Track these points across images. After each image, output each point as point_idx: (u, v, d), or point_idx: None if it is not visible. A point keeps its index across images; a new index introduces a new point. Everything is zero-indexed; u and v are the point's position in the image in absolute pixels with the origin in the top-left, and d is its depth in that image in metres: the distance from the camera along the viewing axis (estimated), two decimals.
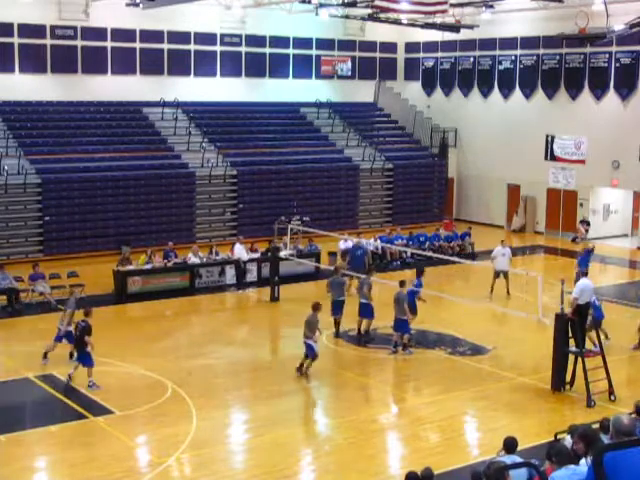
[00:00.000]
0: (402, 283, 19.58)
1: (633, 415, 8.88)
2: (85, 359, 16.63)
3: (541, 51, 35.89)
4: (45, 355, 18.06)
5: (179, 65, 35.87)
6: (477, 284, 25.78)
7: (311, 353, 17.36)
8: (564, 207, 35.42)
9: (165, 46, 35.56)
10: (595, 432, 7.36)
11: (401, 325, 19.07)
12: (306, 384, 17.18)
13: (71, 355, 17.81)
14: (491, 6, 32.06)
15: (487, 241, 32.88)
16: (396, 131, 40.75)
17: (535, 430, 14.38)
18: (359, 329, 20.31)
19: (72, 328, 17.77)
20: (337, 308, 20.44)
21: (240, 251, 25.87)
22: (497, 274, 24.59)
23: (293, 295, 24.21)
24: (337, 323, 20.48)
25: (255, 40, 37.50)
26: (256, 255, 26.29)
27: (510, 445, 9.55)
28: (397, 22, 34.21)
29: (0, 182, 28.37)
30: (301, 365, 17.43)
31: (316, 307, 17.70)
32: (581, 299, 17.11)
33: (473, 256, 29.97)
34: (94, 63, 33.83)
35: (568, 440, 7.54)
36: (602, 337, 18.17)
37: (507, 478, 7.82)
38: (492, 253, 25.44)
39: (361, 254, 25.24)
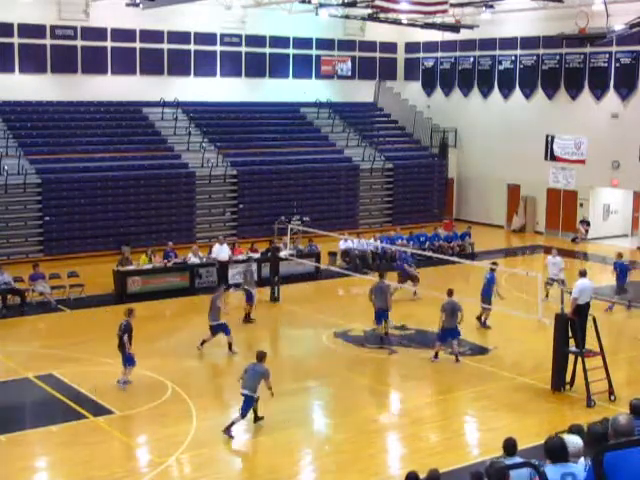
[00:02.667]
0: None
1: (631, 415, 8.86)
2: (128, 360, 16.57)
3: (541, 51, 35.90)
4: (202, 343, 18.88)
5: (179, 65, 35.87)
6: (477, 284, 25.72)
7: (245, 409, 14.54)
8: (564, 207, 35.42)
9: (165, 46, 35.56)
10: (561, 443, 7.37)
11: (448, 333, 18.69)
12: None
13: (229, 347, 18.72)
14: (491, 6, 32.05)
15: (487, 241, 32.94)
16: (396, 131, 40.76)
17: (535, 430, 14.36)
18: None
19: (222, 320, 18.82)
20: (380, 317, 20.09)
21: (218, 251, 25.57)
22: (549, 282, 23.58)
23: (293, 295, 24.21)
24: (386, 334, 20.05)
25: (255, 40, 37.50)
26: (256, 255, 26.26)
27: (510, 447, 9.54)
28: (397, 22, 34.20)
29: (0, 182, 28.37)
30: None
31: (261, 357, 14.99)
32: (581, 299, 17.12)
33: (472, 256, 29.96)
34: (94, 63, 33.84)
35: (569, 439, 7.52)
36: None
37: (508, 478, 7.81)
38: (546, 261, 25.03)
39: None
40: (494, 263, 22.30)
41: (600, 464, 5.49)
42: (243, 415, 14.37)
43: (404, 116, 40.70)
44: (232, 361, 18.69)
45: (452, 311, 18.46)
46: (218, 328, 18.91)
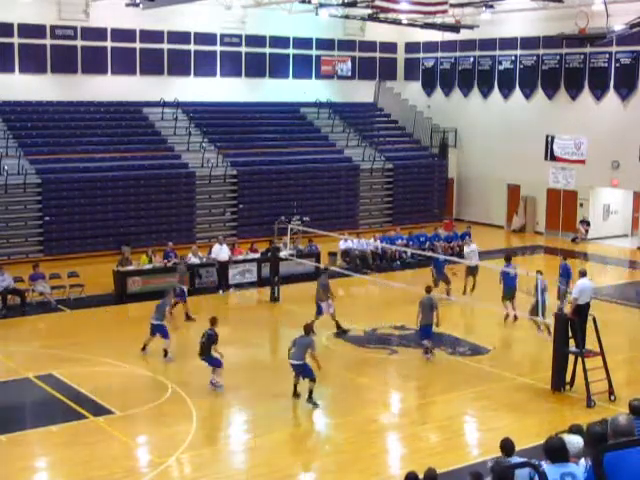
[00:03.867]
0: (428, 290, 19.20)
1: (630, 415, 8.86)
2: (213, 361, 16.69)
3: (541, 51, 35.90)
4: (144, 347, 18.70)
5: (179, 65, 35.87)
6: (477, 284, 25.72)
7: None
8: (564, 207, 35.42)
9: (165, 46, 35.56)
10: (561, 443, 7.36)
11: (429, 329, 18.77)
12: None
13: (165, 354, 18.42)
14: (491, 6, 32.04)
15: (487, 241, 32.91)
16: (396, 131, 40.75)
17: (535, 430, 14.37)
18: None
19: (164, 322, 18.65)
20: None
21: (218, 251, 25.46)
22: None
23: (293, 295, 24.20)
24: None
25: (255, 40, 37.50)
26: (256, 255, 26.28)
27: (508, 447, 9.54)
28: (397, 22, 34.19)
29: (0, 182, 28.38)
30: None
31: (307, 330, 16.67)
32: (581, 299, 17.12)
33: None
34: (94, 63, 33.83)
35: (570, 439, 7.52)
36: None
37: (513, 478, 7.81)
38: None
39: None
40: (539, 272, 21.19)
41: (600, 464, 5.49)
42: (313, 379, 15.85)
43: (404, 116, 40.70)
44: (232, 361, 18.65)
45: (430, 307, 18.53)
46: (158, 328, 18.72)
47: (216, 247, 25.71)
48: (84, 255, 29.05)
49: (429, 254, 26.69)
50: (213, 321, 16.99)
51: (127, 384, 17.11)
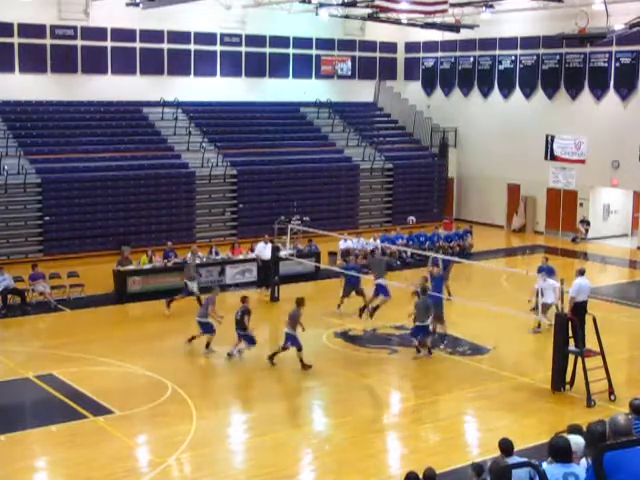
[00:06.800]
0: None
1: (631, 415, 8.86)
2: (249, 340, 18.54)
3: (541, 51, 35.90)
4: (207, 345, 18.94)
5: (179, 65, 35.87)
6: (477, 284, 25.81)
7: (296, 344, 17.92)
8: (564, 207, 35.42)
9: (165, 46, 35.56)
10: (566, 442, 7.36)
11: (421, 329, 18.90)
12: (309, 383, 17.20)
13: (207, 345, 18.85)
14: (491, 6, 32.02)
15: (487, 241, 32.95)
16: (396, 131, 40.75)
17: (535, 430, 14.38)
18: None
19: (209, 319, 19.08)
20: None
21: (261, 250, 25.35)
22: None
23: (293, 295, 24.08)
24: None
25: (255, 40, 37.50)
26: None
27: (507, 447, 9.55)
28: (397, 22, 34.20)
29: (0, 182, 28.37)
30: (274, 354, 18.16)
31: (300, 302, 18.36)
32: (578, 297, 17.14)
33: (468, 256, 29.74)
34: (94, 63, 33.82)
35: (572, 439, 7.52)
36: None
37: (511, 478, 7.82)
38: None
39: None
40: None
41: (600, 464, 5.50)
42: (299, 348, 17.63)
43: (404, 116, 40.71)
44: (232, 361, 18.68)
45: (425, 309, 18.58)
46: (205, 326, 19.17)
47: (260, 245, 25.59)
48: (84, 255, 29.06)
49: (429, 254, 26.66)
50: (243, 299, 18.72)
51: (127, 384, 17.10)
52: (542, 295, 18.45)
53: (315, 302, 22.71)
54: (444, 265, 22.43)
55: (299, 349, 17.83)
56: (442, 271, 21.19)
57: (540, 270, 21.44)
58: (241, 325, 18.46)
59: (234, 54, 37.27)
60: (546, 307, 19.18)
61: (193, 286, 22.62)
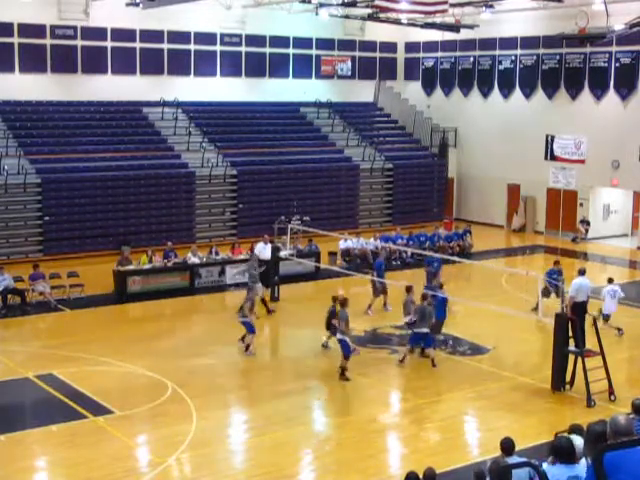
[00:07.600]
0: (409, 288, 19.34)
1: (632, 415, 8.87)
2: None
3: (541, 51, 35.90)
4: (247, 347, 18.90)
5: (179, 65, 35.87)
6: (477, 284, 25.81)
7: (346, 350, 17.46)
8: (564, 207, 35.42)
9: (165, 46, 35.56)
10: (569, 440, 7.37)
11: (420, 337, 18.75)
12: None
13: (246, 348, 18.84)
14: (491, 6, 32.02)
15: (487, 241, 32.95)
16: (396, 131, 40.75)
17: (535, 430, 14.38)
18: None
19: (248, 318, 18.97)
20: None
21: (261, 250, 25.05)
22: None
23: (293, 295, 24.22)
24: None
25: (255, 40, 37.50)
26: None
27: (509, 447, 9.54)
28: (397, 22, 34.19)
29: (0, 182, 28.37)
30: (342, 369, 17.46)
31: (343, 303, 17.89)
32: (578, 297, 17.14)
33: (469, 256, 29.77)
34: (94, 63, 33.82)
35: (575, 439, 7.53)
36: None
37: (511, 477, 7.81)
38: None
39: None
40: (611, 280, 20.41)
41: (601, 464, 5.49)
42: (347, 355, 17.37)
43: (404, 116, 40.71)
44: (232, 361, 18.69)
45: (423, 315, 18.34)
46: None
47: (260, 245, 25.44)
48: (84, 255, 29.05)
49: (429, 254, 26.68)
50: (334, 299, 18.53)
51: (127, 384, 17.10)
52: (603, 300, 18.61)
53: (315, 302, 22.74)
54: (436, 265, 22.61)
55: (346, 357, 17.40)
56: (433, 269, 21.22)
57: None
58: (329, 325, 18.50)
59: (234, 54, 37.27)
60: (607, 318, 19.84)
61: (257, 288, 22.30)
